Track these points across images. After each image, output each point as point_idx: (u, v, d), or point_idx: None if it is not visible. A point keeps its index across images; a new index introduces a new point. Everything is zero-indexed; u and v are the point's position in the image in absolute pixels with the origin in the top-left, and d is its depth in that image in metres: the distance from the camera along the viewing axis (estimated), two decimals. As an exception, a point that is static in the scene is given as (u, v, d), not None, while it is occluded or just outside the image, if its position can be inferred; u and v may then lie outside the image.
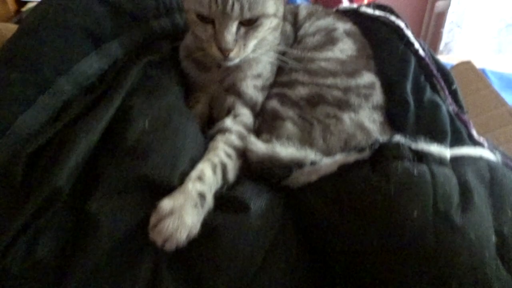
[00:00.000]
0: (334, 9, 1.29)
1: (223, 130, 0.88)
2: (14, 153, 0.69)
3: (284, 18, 1.08)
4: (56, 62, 0.79)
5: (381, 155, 0.70)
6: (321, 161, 0.77)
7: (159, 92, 0.84)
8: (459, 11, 2.29)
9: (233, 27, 0.83)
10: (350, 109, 0.90)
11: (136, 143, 0.73)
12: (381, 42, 1.07)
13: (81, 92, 0.81)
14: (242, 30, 0.85)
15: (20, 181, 0.66)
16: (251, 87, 0.95)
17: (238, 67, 0.96)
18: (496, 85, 1.35)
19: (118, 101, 0.77)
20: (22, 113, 0.73)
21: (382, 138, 0.72)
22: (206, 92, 1.02)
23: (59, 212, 0.65)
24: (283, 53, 1.02)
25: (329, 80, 0.94)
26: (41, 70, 0.77)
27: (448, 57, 1.72)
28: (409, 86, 0.97)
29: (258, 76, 0.96)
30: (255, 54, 0.92)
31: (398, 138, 0.71)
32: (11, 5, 2.33)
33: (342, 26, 1.08)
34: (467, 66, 1.21)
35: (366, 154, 0.72)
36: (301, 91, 0.93)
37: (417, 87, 0.97)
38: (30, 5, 2.26)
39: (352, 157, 0.72)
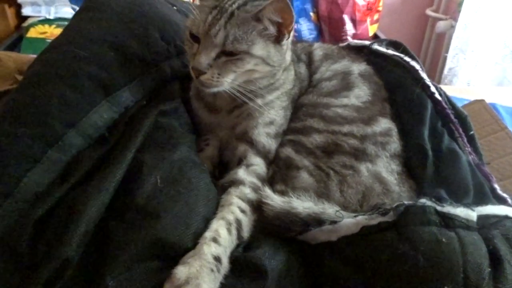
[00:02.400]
0: (346, 44, 1.27)
1: (236, 182, 0.84)
2: (20, 218, 0.65)
3: (298, 59, 1.06)
4: (66, 114, 0.76)
5: (407, 219, 0.67)
6: (341, 220, 0.73)
7: (171, 144, 0.81)
8: (464, 36, 2.29)
9: (212, 52, 0.82)
10: (367, 159, 0.88)
11: (147, 201, 0.70)
12: (395, 84, 1.05)
13: (90, 144, 0.78)
14: (223, 59, 0.83)
15: (27, 251, 0.62)
16: (264, 135, 0.92)
17: (249, 114, 0.93)
18: (507, 120, 1.33)
19: (130, 158, 0.74)
20: (30, 170, 0.70)
21: (407, 200, 0.70)
22: (216, 135, 0.99)
23: (68, 283, 0.61)
24: (298, 96, 0.99)
25: (345, 128, 0.91)
26: (49, 123, 0.74)
27: (455, 89, 1.71)
28: (426, 133, 0.94)
29: (271, 123, 0.94)
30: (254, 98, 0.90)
31: (424, 201, 0.68)
32: (12, 20, 2.31)
33: (357, 68, 1.06)
34: (480, 105, 1.19)
35: (390, 217, 0.68)
36: (317, 139, 0.90)
37: (434, 134, 0.95)
38: (30, 20, 2.25)
39: (376, 220, 0.69)
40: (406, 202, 0.69)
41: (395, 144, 0.92)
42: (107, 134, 0.80)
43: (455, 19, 2.73)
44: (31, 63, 0.87)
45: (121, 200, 0.70)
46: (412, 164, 0.91)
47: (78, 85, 0.80)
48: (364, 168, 0.86)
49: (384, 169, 0.87)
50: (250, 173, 0.87)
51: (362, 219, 0.71)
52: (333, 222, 0.73)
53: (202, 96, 0.98)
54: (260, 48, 0.84)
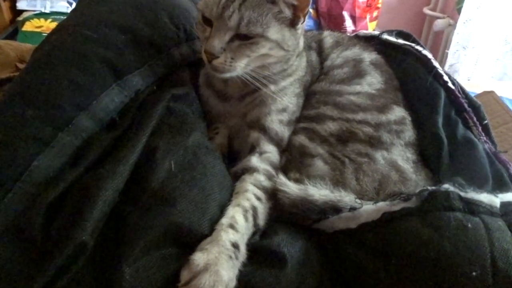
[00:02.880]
0: (354, 35, 1.26)
1: (250, 170, 0.82)
2: (32, 203, 0.62)
3: (309, 47, 1.04)
4: (76, 97, 0.73)
5: (431, 205, 0.65)
6: (360, 206, 0.72)
7: (184, 129, 0.78)
8: (465, 33, 2.28)
9: (226, 35, 0.79)
10: (382, 147, 0.86)
11: (162, 186, 0.68)
12: (407, 73, 1.03)
13: (101, 128, 0.75)
14: (236, 43, 0.80)
15: (39, 236, 0.59)
16: (276, 122, 0.90)
17: (261, 101, 0.91)
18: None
19: (143, 142, 0.71)
20: (39, 153, 0.67)
21: (430, 186, 0.68)
22: (225, 124, 0.97)
23: (83, 268, 0.58)
24: (310, 84, 0.97)
25: (359, 116, 0.89)
26: (60, 106, 0.71)
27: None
28: (440, 121, 0.93)
29: (283, 110, 0.92)
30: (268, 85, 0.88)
31: (447, 186, 0.67)
32: (7, 14, 2.27)
33: (368, 56, 1.04)
34: (490, 96, 1.18)
35: (413, 203, 0.67)
36: (331, 127, 0.88)
37: (448, 123, 0.94)
38: (25, 14, 2.20)
39: (398, 206, 0.67)
40: (429, 188, 0.67)
41: (409, 133, 0.91)
42: (118, 119, 0.78)
43: (452, 17, 2.75)
44: (36, 46, 0.84)
45: (135, 185, 0.68)
46: (427, 153, 0.90)
47: (88, 68, 0.77)
48: (379, 156, 0.84)
49: (400, 157, 0.86)
50: (264, 160, 0.85)
51: (383, 205, 0.69)
52: (353, 209, 0.72)
53: (212, 83, 0.96)
54: (275, 32, 0.81)
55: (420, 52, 1.05)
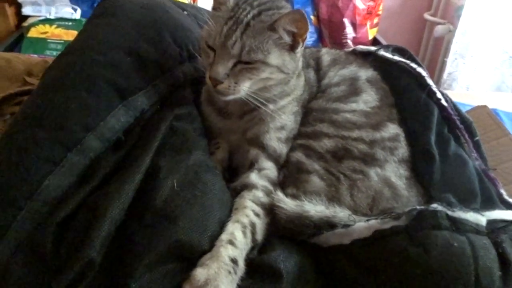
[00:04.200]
0: (351, 49, 1.29)
1: (249, 186, 0.86)
2: (43, 221, 0.66)
3: (307, 65, 1.08)
4: (84, 118, 0.77)
5: (419, 224, 0.69)
6: (353, 223, 0.75)
7: (186, 148, 0.82)
8: (463, 41, 2.32)
9: (229, 62, 0.84)
10: (376, 164, 0.89)
11: (165, 204, 0.72)
12: (402, 90, 1.07)
13: (107, 148, 0.79)
14: (239, 67, 0.84)
15: (50, 253, 0.63)
16: (275, 140, 0.94)
17: (260, 119, 0.95)
18: (508, 126, 1.35)
19: (148, 161, 0.75)
20: (50, 173, 0.71)
21: (421, 202, 0.71)
22: (226, 139, 1.01)
23: (91, 285, 0.62)
24: (307, 102, 1.01)
25: (355, 133, 0.93)
26: (69, 127, 0.75)
27: (454, 94, 1.73)
28: (433, 138, 0.96)
29: (282, 128, 0.95)
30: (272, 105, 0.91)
31: (436, 205, 0.70)
32: (12, 19, 2.30)
33: (365, 74, 1.07)
34: (483, 111, 1.22)
35: (402, 221, 0.70)
36: (327, 144, 0.92)
37: (441, 139, 0.97)
38: (31, 20, 2.23)
39: (388, 224, 0.71)
40: (418, 207, 0.70)
41: (403, 149, 0.94)
42: (123, 138, 0.82)
43: (453, 23, 2.77)
44: (46, 66, 0.88)
45: (140, 203, 0.72)
46: (419, 169, 0.93)
47: (95, 90, 0.81)
48: (373, 172, 0.88)
49: (393, 173, 0.89)
50: (262, 177, 0.89)
51: (374, 223, 0.73)
52: (346, 226, 0.75)
53: (213, 101, 1.00)
54: (275, 57, 0.85)
55: (414, 69, 1.09)
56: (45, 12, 2.29)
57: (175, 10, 1.11)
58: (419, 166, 0.93)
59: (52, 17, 2.28)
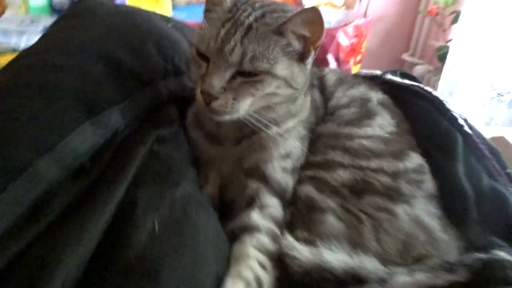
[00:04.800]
0: (354, 74, 1.17)
1: (250, 228, 0.68)
2: None
3: (312, 85, 0.93)
4: (36, 136, 0.57)
5: (484, 279, 0.52)
6: (391, 278, 0.58)
7: (171, 178, 0.64)
8: (451, 78, 2.28)
9: (226, 73, 0.67)
10: (403, 200, 0.74)
11: (142, 255, 0.53)
12: (418, 115, 0.93)
13: (68, 176, 0.59)
14: (238, 80, 0.68)
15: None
16: (279, 170, 0.77)
17: (261, 145, 0.78)
18: None
19: (120, 196, 0.56)
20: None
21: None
22: (216, 170, 0.83)
23: None
24: (315, 126, 0.86)
25: (374, 163, 0.78)
26: (15, 148, 0.55)
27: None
28: (461, 170, 0.82)
29: (287, 155, 0.79)
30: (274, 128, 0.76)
31: (502, 253, 0.54)
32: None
33: (375, 96, 0.94)
34: (500, 142, 1.10)
35: (460, 275, 0.54)
36: (342, 175, 0.76)
37: (470, 171, 0.83)
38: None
39: (442, 278, 0.54)
40: (479, 255, 0.54)
41: (430, 183, 0.80)
42: (89, 164, 0.62)
43: (431, 63, 2.80)
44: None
45: (108, 252, 0.52)
46: (450, 207, 0.78)
47: (55, 100, 0.62)
48: (401, 210, 0.72)
49: (424, 212, 0.74)
50: (266, 216, 0.71)
51: (422, 277, 0.56)
52: (382, 281, 0.58)
53: (202, 124, 0.83)
54: (283, 68, 0.69)
55: (430, 93, 0.96)
56: (16, 40, 2.15)
57: (159, 20, 0.94)
58: (451, 203, 0.78)
59: (23, 45, 2.15)
